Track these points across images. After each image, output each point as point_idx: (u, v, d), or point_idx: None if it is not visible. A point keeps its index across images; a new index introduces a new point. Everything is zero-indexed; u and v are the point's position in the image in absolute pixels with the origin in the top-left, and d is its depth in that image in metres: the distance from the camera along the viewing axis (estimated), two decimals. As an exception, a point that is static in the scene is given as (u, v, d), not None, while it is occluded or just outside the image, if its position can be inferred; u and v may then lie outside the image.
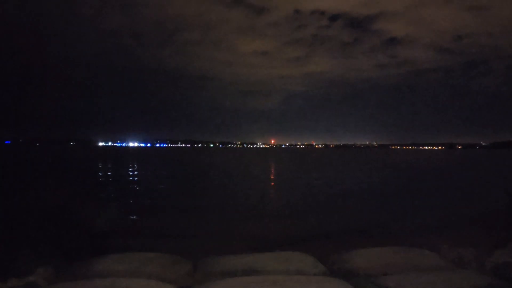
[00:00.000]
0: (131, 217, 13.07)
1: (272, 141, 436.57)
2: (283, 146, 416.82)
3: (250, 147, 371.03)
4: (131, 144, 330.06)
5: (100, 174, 33.90)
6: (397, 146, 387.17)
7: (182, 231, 10.66)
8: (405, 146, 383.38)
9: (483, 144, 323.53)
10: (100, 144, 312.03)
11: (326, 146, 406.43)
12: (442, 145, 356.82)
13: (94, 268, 5.66)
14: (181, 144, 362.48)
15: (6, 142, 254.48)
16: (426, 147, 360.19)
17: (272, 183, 28.10)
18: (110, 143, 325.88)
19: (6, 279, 5.33)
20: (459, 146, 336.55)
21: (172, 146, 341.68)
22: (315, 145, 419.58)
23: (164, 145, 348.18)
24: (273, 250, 6.79)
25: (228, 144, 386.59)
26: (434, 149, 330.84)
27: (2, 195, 17.02)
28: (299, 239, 9.55)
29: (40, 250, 7.20)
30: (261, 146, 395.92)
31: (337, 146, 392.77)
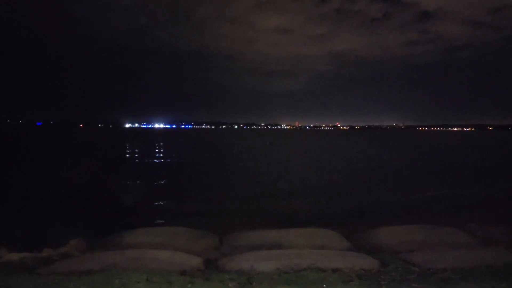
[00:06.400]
0: (159, 194, 13.35)
1: (297, 122, 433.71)
2: (307, 127, 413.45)
3: (274, 128, 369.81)
4: (156, 125, 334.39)
5: (127, 153, 34.61)
6: (425, 128, 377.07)
7: (209, 208, 10.83)
8: (433, 127, 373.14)
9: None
10: (127, 125, 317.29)
11: (352, 127, 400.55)
12: (472, 126, 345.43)
13: (124, 240, 5.83)
14: (205, 125, 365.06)
15: (38, 123, 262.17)
16: (455, 128, 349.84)
17: (298, 163, 28.02)
18: (136, 125, 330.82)
19: (41, 249, 5.60)
20: (490, 127, 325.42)
21: (197, 127, 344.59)
22: (340, 126, 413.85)
23: (189, 126, 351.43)
24: (299, 227, 6.82)
25: (253, 126, 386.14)
26: (464, 130, 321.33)
27: (38, 172, 17.70)
28: (325, 217, 9.56)
29: (74, 224, 7.52)
30: (285, 127, 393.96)
31: (362, 128, 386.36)
